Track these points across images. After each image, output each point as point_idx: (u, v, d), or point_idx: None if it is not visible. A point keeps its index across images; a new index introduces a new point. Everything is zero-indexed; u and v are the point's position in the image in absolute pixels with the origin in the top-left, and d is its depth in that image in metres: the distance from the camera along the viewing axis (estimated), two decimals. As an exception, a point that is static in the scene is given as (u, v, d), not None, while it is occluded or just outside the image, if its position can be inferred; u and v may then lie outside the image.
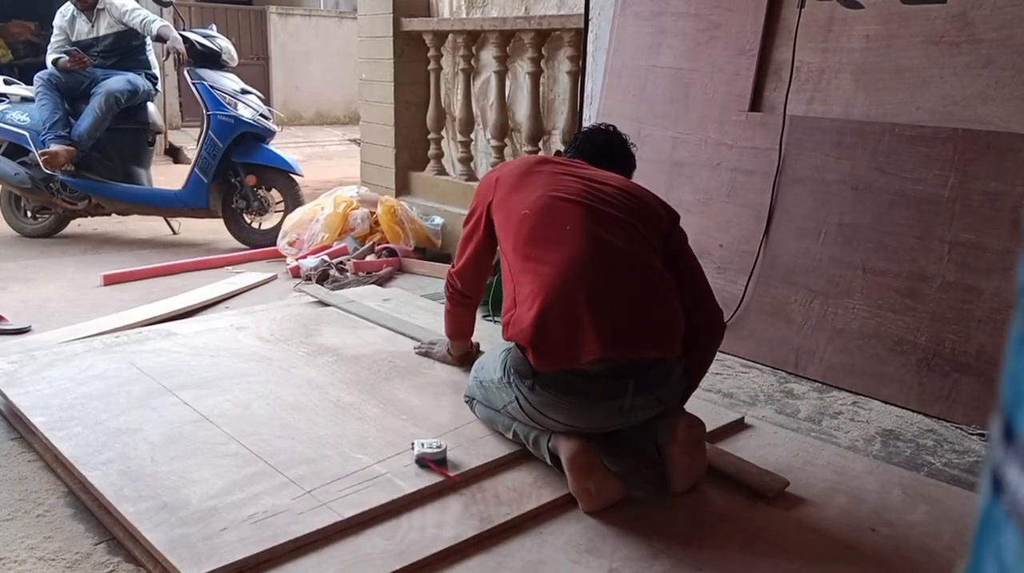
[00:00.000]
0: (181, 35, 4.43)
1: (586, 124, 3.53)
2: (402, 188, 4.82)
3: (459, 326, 2.30)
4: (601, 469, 1.71)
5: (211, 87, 4.42)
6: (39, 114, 4.41)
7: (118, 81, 4.44)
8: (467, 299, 2.17)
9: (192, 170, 4.50)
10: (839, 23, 2.64)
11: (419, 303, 3.15)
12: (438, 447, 1.79)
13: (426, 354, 2.47)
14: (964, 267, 2.30)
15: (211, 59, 4.53)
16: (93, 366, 2.32)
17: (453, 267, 2.15)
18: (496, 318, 2.80)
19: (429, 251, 4.26)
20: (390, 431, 1.96)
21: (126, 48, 4.61)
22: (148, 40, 4.65)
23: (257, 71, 10.76)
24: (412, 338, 2.65)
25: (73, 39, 4.57)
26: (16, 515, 1.69)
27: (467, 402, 2.06)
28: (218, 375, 2.28)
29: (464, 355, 2.39)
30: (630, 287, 1.72)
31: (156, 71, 4.80)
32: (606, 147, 2.08)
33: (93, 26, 4.58)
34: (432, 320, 2.81)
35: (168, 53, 4.39)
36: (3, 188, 4.65)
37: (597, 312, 1.66)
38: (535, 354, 1.68)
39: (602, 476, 1.70)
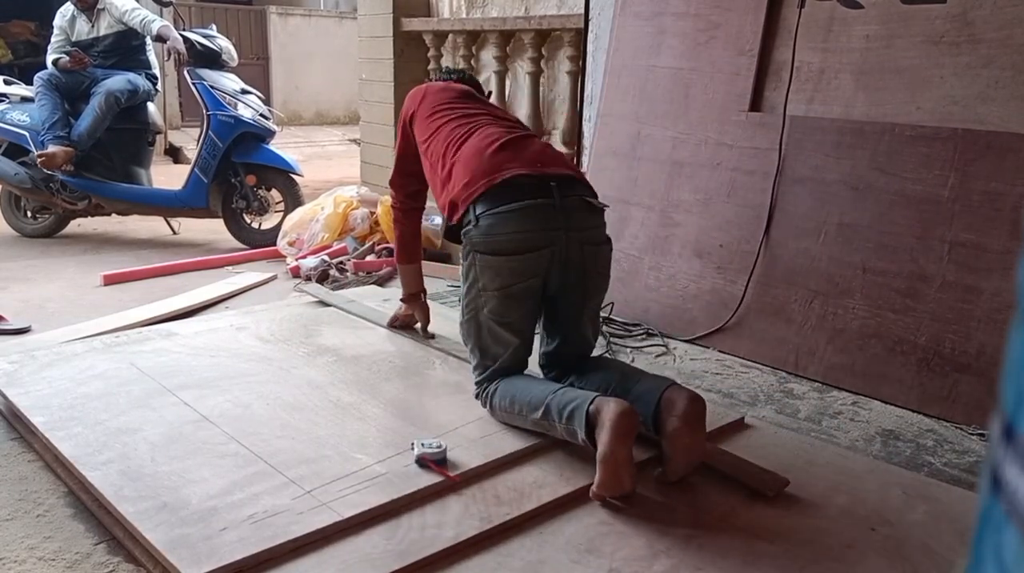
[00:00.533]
0: (181, 35, 4.43)
1: (586, 125, 3.54)
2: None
3: (404, 243, 2.51)
4: (632, 446, 1.69)
5: (211, 87, 4.42)
6: (39, 114, 4.41)
7: (118, 81, 4.44)
8: (406, 206, 2.46)
9: (192, 170, 4.50)
10: (839, 23, 2.64)
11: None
12: (438, 447, 1.79)
13: (395, 323, 2.68)
14: (964, 267, 2.30)
15: (211, 59, 4.53)
16: (93, 366, 2.32)
17: (391, 178, 2.48)
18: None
19: (429, 251, 4.26)
20: (390, 431, 1.96)
21: (126, 48, 4.61)
22: (148, 40, 4.65)
23: (257, 71, 10.76)
24: (412, 338, 2.65)
25: (73, 39, 4.57)
26: (16, 515, 1.69)
27: (478, 397, 2.03)
28: (218, 375, 2.28)
29: (415, 297, 2.60)
30: (537, 146, 2.11)
31: (156, 71, 4.80)
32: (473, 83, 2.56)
33: (93, 26, 4.58)
34: (432, 321, 2.81)
35: (168, 53, 4.39)
36: (3, 188, 4.65)
37: (514, 152, 2.02)
38: (470, 186, 1.95)
39: (629, 454, 1.68)
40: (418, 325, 2.67)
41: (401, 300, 2.64)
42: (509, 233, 1.90)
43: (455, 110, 2.25)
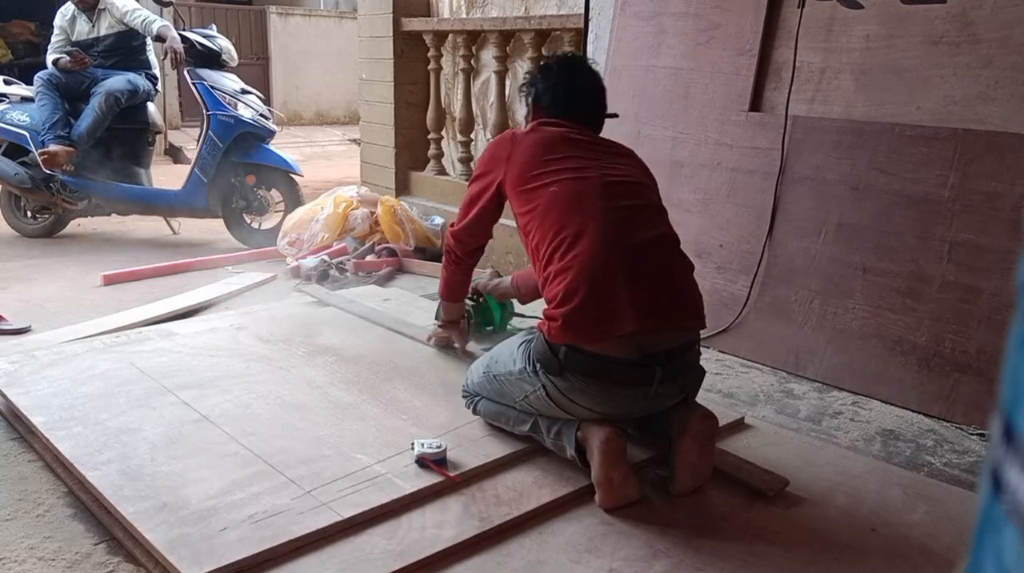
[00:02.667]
0: (181, 35, 4.43)
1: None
2: (402, 188, 4.82)
3: (453, 286, 2.34)
4: (627, 462, 1.72)
5: (211, 87, 4.42)
6: (39, 114, 4.41)
7: (118, 81, 4.44)
8: (464, 259, 2.22)
9: (192, 170, 4.50)
10: (839, 23, 2.64)
11: (419, 303, 3.15)
12: (438, 447, 1.79)
13: (437, 343, 2.55)
14: (964, 267, 2.30)
15: (211, 59, 4.53)
16: (93, 366, 2.32)
17: (453, 226, 2.18)
18: (488, 327, 2.79)
19: (429, 251, 4.26)
20: (390, 431, 1.96)
21: (127, 48, 4.61)
22: (148, 40, 4.65)
23: (257, 71, 10.76)
24: (412, 338, 2.65)
25: (74, 39, 4.57)
26: (16, 515, 1.69)
27: (466, 398, 2.05)
28: (218, 375, 2.28)
29: (455, 324, 2.47)
30: (659, 259, 1.80)
31: (156, 71, 4.80)
32: (594, 101, 2.08)
33: (94, 26, 4.58)
34: (432, 320, 2.81)
35: (166, 53, 4.39)
36: (3, 188, 4.65)
37: (634, 283, 1.71)
38: (569, 327, 1.69)
39: (626, 470, 1.71)
40: (456, 344, 2.53)
41: (440, 326, 2.52)
42: (585, 406, 1.74)
43: (557, 174, 1.87)
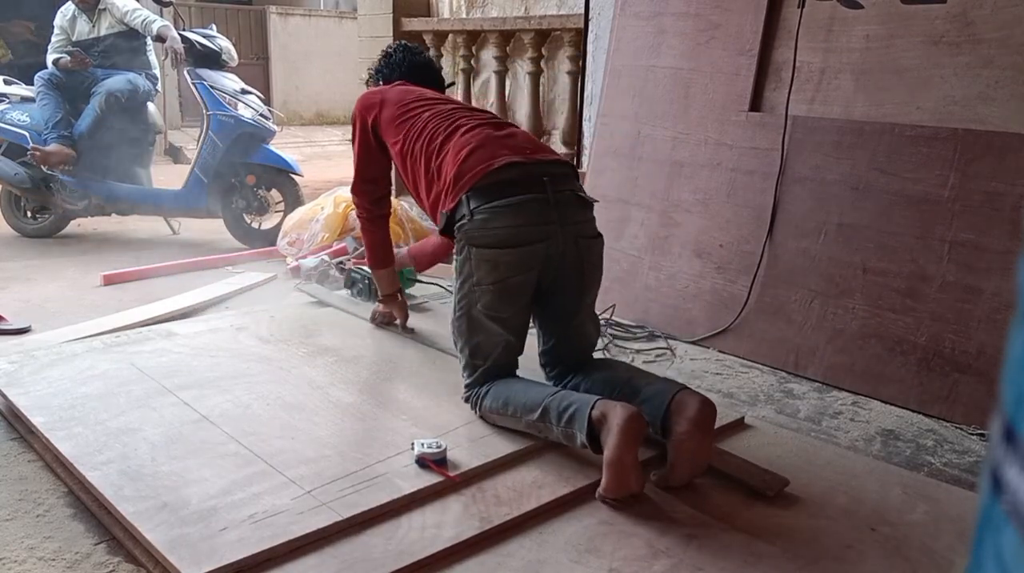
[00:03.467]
0: (181, 35, 4.43)
1: (586, 125, 3.54)
2: (402, 188, 4.82)
3: (376, 249, 2.55)
4: (638, 451, 1.70)
5: (211, 87, 4.42)
6: (40, 114, 4.41)
7: (118, 81, 4.45)
8: (373, 209, 2.48)
9: (192, 170, 4.50)
10: (839, 23, 2.64)
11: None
12: (438, 447, 1.79)
13: (376, 320, 2.73)
14: (964, 267, 2.30)
15: (211, 59, 4.53)
16: (93, 366, 2.32)
17: (351, 187, 2.47)
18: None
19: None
20: (390, 431, 1.96)
21: (127, 48, 4.61)
22: (149, 40, 4.65)
23: (257, 71, 10.77)
24: (413, 338, 2.65)
25: (74, 39, 4.57)
26: (16, 515, 1.69)
27: (469, 394, 2.02)
28: (218, 375, 2.28)
29: (393, 297, 2.66)
30: (521, 135, 2.14)
31: (156, 71, 4.80)
32: (428, 70, 2.60)
33: (94, 26, 4.58)
34: (432, 321, 2.81)
35: (166, 53, 4.39)
36: (3, 188, 4.65)
37: (501, 141, 2.04)
38: (461, 177, 1.96)
39: (637, 458, 1.69)
40: (397, 321, 2.72)
41: (379, 300, 2.73)
42: (505, 226, 1.90)
43: (427, 107, 2.26)
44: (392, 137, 2.28)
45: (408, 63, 2.56)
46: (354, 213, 4.30)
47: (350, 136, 2.46)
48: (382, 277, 2.63)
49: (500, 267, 1.91)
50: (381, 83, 2.56)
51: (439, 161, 2.09)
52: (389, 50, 2.62)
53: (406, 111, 2.27)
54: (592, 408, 1.72)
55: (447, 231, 2.04)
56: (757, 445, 2.03)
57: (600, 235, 2.05)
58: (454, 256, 2.03)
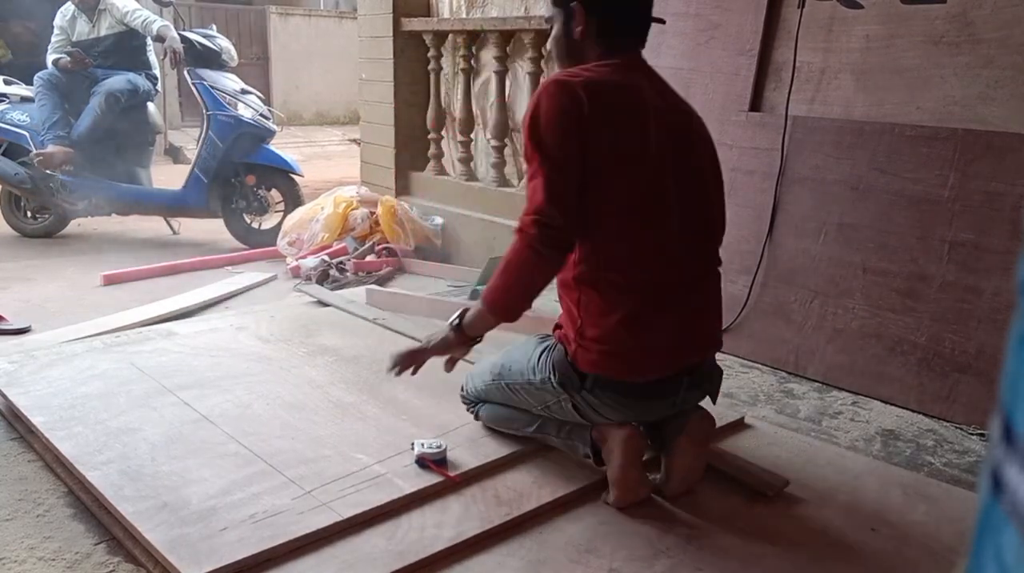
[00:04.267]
0: (181, 35, 4.44)
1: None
2: (402, 188, 4.82)
3: (526, 290, 1.62)
4: (642, 464, 1.72)
5: (211, 87, 4.42)
6: (39, 114, 4.41)
7: (118, 81, 4.45)
8: (563, 240, 1.56)
9: (192, 170, 4.50)
10: (839, 23, 2.64)
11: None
12: (438, 447, 1.79)
13: (410, 360, 1.85)
14: (964, 267, 2.30)
15: (211, 59, 4.53)
16: (93, 366, 2.32)
17: (538, 203, 1.54)
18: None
19: (429, 251, 4.26)
20: (390, 431, 1.96)
21: (127, 48, 4.61)
22: (149, 40, 4.66)
23: (257, 71, 10.77)
24: (413, 338, 2.65)
25: (74, 39, 4.57)
26: (16, 515, 1.69)
27: (465, 401, 2.03)
28: (218, 375, 2.28)
29: (468, 341, 1.77)
30: (708, 288, 1.73)
31: (156, 71, 4.80)
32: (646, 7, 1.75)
33: (94, 26, 4.58)
34: (428, 322, 2.81)
35: (166, 53, 4.39)
36: (3, 188, 4.65)
37: (677, 323, 1.64)
38: (603, 366, 1.61)
39: (642, 470, 1.71)
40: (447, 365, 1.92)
41: (456, 341, 1.77)
42: (611, 418, 1.71)
43: (631, 162, 1.61)
44: (600, 175, 1.58)
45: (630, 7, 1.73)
46: (354, 213, 4.33)
47: (528, 140, 1.60)
48: (486, 325, 1.73)
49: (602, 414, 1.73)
50: (593, 43, 1.69)
51: (600, 281, 1.60)
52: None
53: (614, 158, 1.59)
54: (592, 428, 1.74)
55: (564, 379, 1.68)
56: (757, 445, 2.03)
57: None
58: (547, 354, 1.73)
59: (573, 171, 1.56)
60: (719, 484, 1.82)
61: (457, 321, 1.75)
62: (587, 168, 1.56)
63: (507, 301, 1.65)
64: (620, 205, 1.60)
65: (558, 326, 1.76)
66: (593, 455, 1.75)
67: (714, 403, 1.82)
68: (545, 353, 1.74)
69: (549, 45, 1.85)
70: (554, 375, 1.70)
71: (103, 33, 4.58)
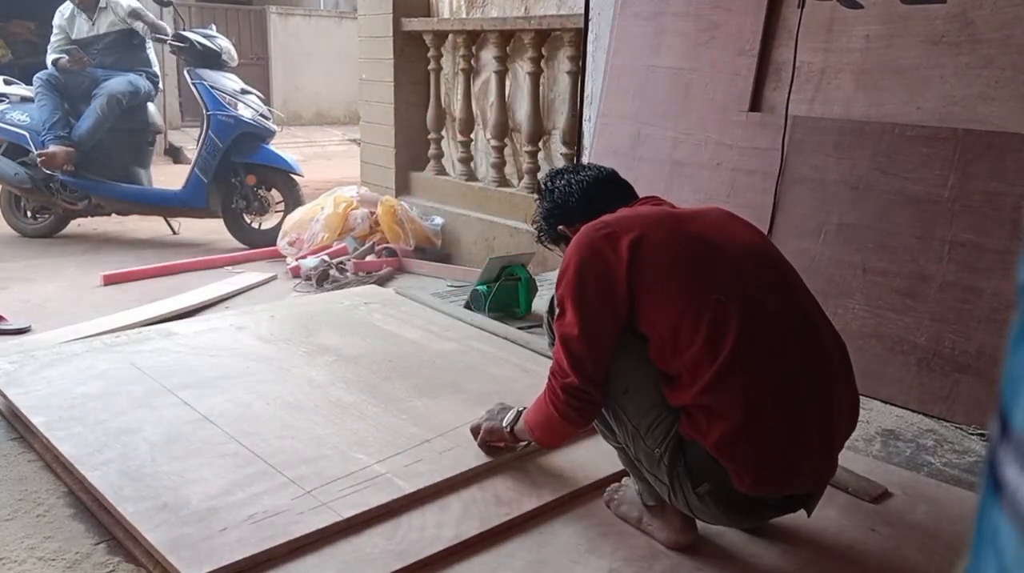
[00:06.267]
0: (181, 35, 4.44)
1: (586, 125, 3.53)
2: (402, 188, 4.82)
3: (561, 439, 1.70)
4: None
5: (211, 87, 4.43)
6: (39, 114, 4.41)
7: (120, 82, 4.45)
8: (597, 407, 1.54)
9: (192, 170, 4.50)
10: (839, 23, 2.64)
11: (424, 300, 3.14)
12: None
13: (491, 438, 1.82)
14: (964, 267, 2.30)
15: (211, 59, 4.53)
16: (93, 366, 2.32)
17: (575, 372, 1.48)
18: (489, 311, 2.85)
19: (429, 251, 4.26)
20: (390, 431, 1.96)
21: (126, 46, 4.62)
22: (148, 39, 4.66)
23: (257, 71, 10.76)
24: (412, 339, 2.65)
25: (73, 37, 4.58)
26: (16, 515, 1.69)
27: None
28: (218, 375, 2.28)
29: (511, 438, 1.77)
30: (838, 396, 1.49)
31: (157, 71, 4.80)
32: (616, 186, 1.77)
33: (94, 24, 4.59)
34: (428, 322, 2.81)
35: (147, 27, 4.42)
36: (3, 188, 4.65)
37: (821, 432, 1.44)
38: (738, 470, 1.38)
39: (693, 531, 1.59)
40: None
41: (506, 433, 1.75)
42: (707, 521, 1.54)
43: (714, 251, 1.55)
44: (675, 300, 1.45)
45: (592, 181, 1.74)
46: (354, 213, 4.32)
47: (562, 297, 1.52)
48: (525, 436, 1.72)
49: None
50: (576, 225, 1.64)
51: (721, 398, 1.38)
52: (561, 184, 1.74)
53: (666, 282, 1.48)
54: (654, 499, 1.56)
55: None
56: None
57: None
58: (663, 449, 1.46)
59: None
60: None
61: (509, 427, 1.75)
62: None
63: (546, 441, 1.68)
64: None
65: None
66: (656, 502, 1.57)
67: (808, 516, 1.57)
68: (670, 423, 1.45)
69: None
70: (672, 458, 1.45)
71: (103, 31, 4.58)
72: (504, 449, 1.83)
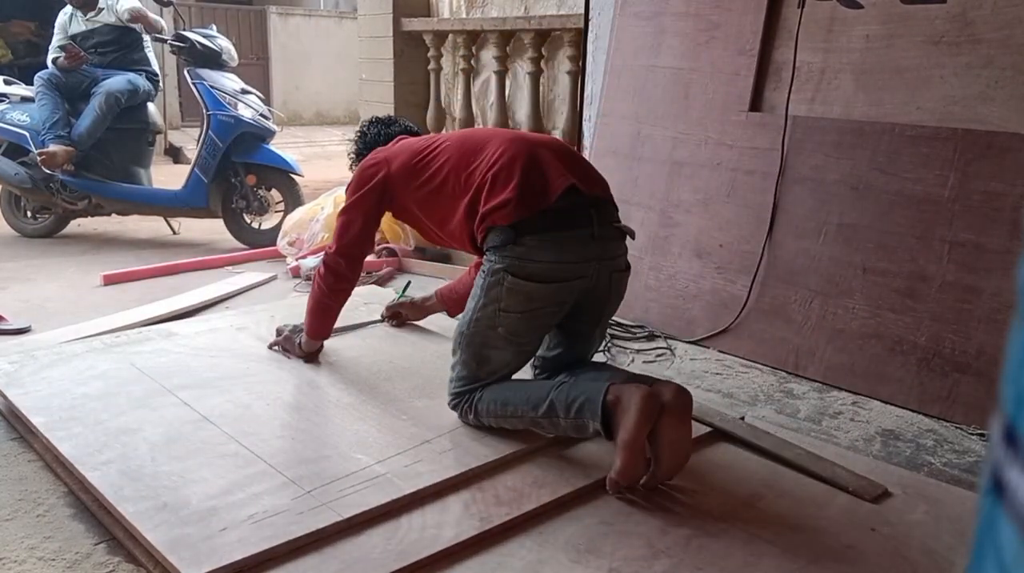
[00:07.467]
0: (181, 35, 4.44)
1: (586, 125, 3.54)
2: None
3: (326, 321, 2.33)
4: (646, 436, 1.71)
5: (211, 87, 4.42)
6: (39, 114, 4.41)
7: (119, 81, 4.45)
8: (352, 278, 2.24)
9: (192, 170, 4.50)
10: (839, 23, 2.64)
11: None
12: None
13: (281, 347, 2.45)
14: (964, 267, 2.30)
15: (211, 59, 4.53)
16: (93, 366, 2.32)
17: (333, 249, 2.22)
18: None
19: (429, 251, 4.26)
20: (390, 431, 1.96)
21: (123, 43, 4.62)
22: (146, 38, 4.66)
23: (257, 71, 10.76)
24: (411, 339, 2.64)
25: (70, 33, 4.58)
26: (16, 515, 1.69)
27: (461, 402, 1.98)
28: (218, 375, 2.28)
29: (312, 354, 2.41)
30: (566, 151, 2.05)
31: (156, 70, 4.80)
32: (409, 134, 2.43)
33: (90, 21, 4.59)
34: (429, 322, 2.81)
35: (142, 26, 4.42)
36: (3, 188, 4.65)
37: (556, 159, 1.94)
38: (521, 203, 1.85)
39: (647, 444, 1.70)
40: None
41: (300, 346, 2.40)
42: (548, 262, 1.85)
43: (445, 140, 2.13)
44: (415, 180, 2.10)
45: (385, 135, 2.43)
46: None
47: (345, 200, 2.24)
48: (313, 345, 2.40)
49: (534, 300, 1.87)
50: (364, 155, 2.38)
51: (483, 183, 1.95)
52: (363, 129, 2.51)
53: (425, 151, 2.12)
54: (606, 393, 1.73)
55: (482, 249, 1.98)
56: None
57: (630, 266, 2.03)
58: (482, 275, 1.93)
59: None
60: (719, 484, 1.82)
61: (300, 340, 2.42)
62: None
63: (311, 326, 2.39)
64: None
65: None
66: (603, 428, 1.72)
67: (632, 239, 2.01)
68: (480, 282, 1.93)
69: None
70: (486, 276, 1.89)
71: (99, 27, 4.58)
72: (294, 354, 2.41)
